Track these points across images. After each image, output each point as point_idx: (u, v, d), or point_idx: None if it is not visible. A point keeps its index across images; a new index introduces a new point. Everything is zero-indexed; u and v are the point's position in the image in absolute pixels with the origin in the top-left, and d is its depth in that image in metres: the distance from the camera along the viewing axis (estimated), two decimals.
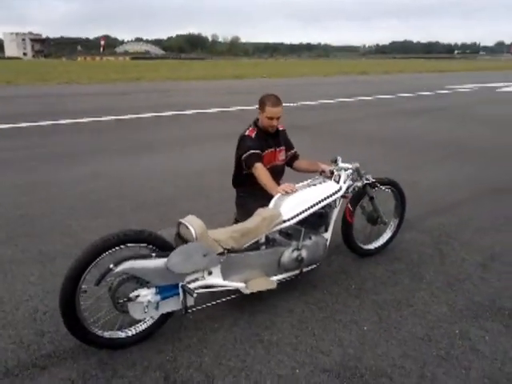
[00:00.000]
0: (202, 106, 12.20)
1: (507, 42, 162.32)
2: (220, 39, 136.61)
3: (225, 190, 4.89)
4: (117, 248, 2.22)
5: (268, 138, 3.15)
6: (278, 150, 3.21)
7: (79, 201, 4.62)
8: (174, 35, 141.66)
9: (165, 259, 2.27)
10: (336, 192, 2.90)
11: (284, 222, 2.71)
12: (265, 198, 2.92)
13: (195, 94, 16.58)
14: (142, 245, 2.31)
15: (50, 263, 3.28)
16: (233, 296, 2.65)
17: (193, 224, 2.40)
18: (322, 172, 3.17)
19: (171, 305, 2.37)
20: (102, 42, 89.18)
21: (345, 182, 2.98)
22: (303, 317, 2.61)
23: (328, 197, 2.85)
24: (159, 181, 5.36)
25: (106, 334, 2.31)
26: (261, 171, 2.97)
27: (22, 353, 2.31)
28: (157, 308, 2.32)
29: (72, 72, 29.65)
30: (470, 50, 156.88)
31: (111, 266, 2.17)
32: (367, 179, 3.10)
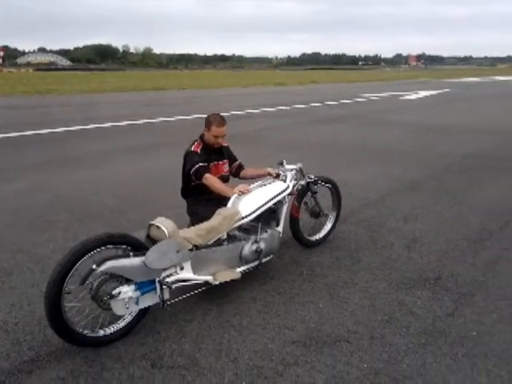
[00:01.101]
0: (127, 118, 12.10)
1: (404, 53, 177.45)
2: (132, 50, 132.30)
3: (162, 198, 5.10)
4: (97, 250, 2.37)
5: (212, 153, 3.42)
6: (221, 162, 3.50)
7: (19, 217, 4.54)
8: (81, 45, 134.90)
9: (142, 257, 2.47)
10: (285, 190, 3.28)
11: (243, 218, 3.03)
12: (213, 203, 3.21)
13: (119, 106, 16.28)
14: (119, 246, 2.49)
15: (7, 278, 3.26)
16: (201, 289, 2.89)
17: (164, 224, 2.62)
18: (269, 174, 3.53)
19: (150, 299, 2.56)
20: (2, 53, 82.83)
21: (291, 181, 3.37)
22: (266, 302, 2.93)
23: (278, 194, 3.22)
24: (96, 192, 5.38)
25: (90, 333, 2.45)
26: (212, 180, 3.24)
27: (3, 361, 2.35)
28: (137, 303, 2.50)
29: None
30: (373, 62, 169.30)
31: (94, 266, 2.33)
32: (309, 177, 3.53)
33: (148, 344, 2.51)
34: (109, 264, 2.37)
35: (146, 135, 9.79)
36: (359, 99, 19.72)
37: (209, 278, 2.84)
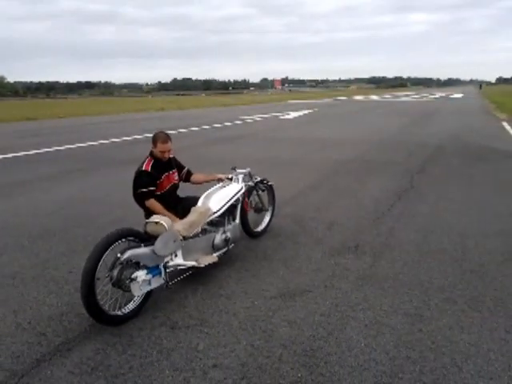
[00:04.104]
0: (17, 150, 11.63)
1: (270, 78, 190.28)
2: None
3: (100, 216, 5.50)
4: (117, 243, 2.92)
5: (163, 165, 3.98)
6: (171, 172, 4.12)
7: None
8: None
9: (151, 247, 3.06)
10: (240, 190, 4.10)
11: (214, 213, 3.77)
12: (171, 207, 3.84)
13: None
14: (131, 239, 3.05)
15: None
16: (188, 273, 3.53)
17: (162, 219, 3.24)
18: (220, 180, 4.29)
19: (157, 281, 3.15)
20: None
21: (242, 182, 4.20)
22: (239, 277, 3.68)
23: (237, 193, 4.03)
24: (34, 216, 5.54)
25: (116, 313, 2.95)
26: (154, 205, 3.71)
27: (38, 347, 2.75)
28: (149, 284, 3.07)
29: None
30: (242, 86, 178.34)
31: (118, 255, 2.88)
32: (256, 179, 4.40)
33: (160, 317, 3.09)
34: (129, 253, 2.93)
35: (46, 166, 9.69)
36: (244, 120, 21.22)
37: (194, 263, 3.50)
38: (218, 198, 3.87)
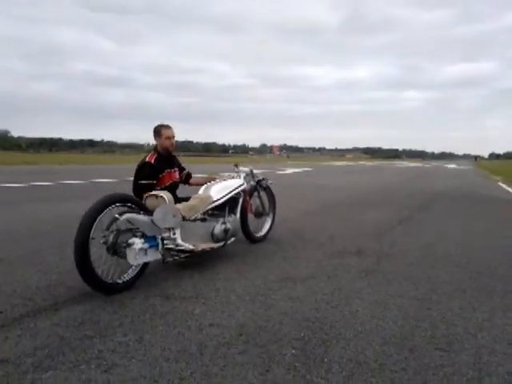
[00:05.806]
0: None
1: (268, 144, 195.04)
2: None
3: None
4: (115, 205, 2.83)
5: (166, 161, 3.98)
6: (173, 170, 4.10)
7: None
8: None
9: (149, 216, 2.97)
10: (241, 185, 4.05)
11: (214, 202, 3.69)
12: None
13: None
14: (129, 204, 2.96)
15: None
16: (185, 255, 3.40)
17: (162, 193, 3.18)
18: (215, 179, 4.23)
19: (153, 254, 3.02)
20: None
21: (244, 179, 4.16)
22: (237, 269, 3.52)
23: (238, 187, 3.98)
24: None
25: (109, 280, 2.79)
26: None
27: (23, 307, 2.58)
28: (146, 255, 2.93)
29: None
30: (241, 150, 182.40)
31: (116, 215, 2.78)
32: (258, 178, 4.36)
33: (154, 291, 2.92)
34: (128, 215, 2.84)
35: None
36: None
37: (191, 247, 3.37)
38: (218, 188, 3.82)
